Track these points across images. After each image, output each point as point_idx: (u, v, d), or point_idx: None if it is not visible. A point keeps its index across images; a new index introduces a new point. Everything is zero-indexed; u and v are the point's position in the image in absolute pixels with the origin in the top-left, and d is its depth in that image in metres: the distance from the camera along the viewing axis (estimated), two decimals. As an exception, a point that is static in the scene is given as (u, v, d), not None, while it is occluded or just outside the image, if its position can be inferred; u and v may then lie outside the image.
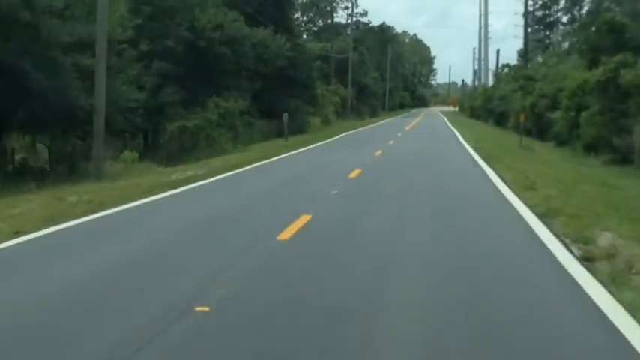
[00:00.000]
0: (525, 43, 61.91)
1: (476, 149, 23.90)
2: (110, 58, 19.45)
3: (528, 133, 39.25)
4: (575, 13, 79.89)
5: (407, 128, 47.41)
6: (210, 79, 32.69)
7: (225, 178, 15.92)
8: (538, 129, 35.99)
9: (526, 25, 64.42)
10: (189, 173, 17.14)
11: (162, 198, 12.28)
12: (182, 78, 30.10)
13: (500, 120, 54.32)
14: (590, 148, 25.82)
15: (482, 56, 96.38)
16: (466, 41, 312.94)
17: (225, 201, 12.30)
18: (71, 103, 18.76)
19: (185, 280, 6.25)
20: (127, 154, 23.66)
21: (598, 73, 24.45)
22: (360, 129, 47.36)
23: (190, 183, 14.51)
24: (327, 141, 32.79)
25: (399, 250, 7.75)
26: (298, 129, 50.91)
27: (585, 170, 18.32)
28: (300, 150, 25.43)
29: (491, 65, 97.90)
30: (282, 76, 46.81)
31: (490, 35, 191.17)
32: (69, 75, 19.03)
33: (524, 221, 9.57)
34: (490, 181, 14.73)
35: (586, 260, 7.02)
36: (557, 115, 30.52)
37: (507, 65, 57.77)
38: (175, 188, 13.58)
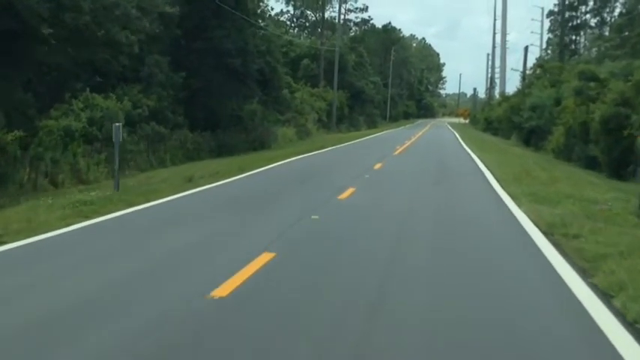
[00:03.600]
0: (561, 37, 47.74)
1: (552, 232, 8.79)
2: None
3: (589, 162, 24.99)
4: (606, 15, 68.96)
5: (399, 150, 31.24)
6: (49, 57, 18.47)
7: None
8: (612, 158, 21.67)
9: (563, 18, 50.36)
10: None
11: None
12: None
13: (529, 138, 39.73)
14: None
15: (500, 58, 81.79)
16: (477, 52, 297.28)
17: None
18: None
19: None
20: None
21: None
22: (330, 148, 32.32)
23: None
24: (211, 185, 15.77)
25: None
26: (258, 144, 36.58)
27: None
28: (96, 220, 9.93)
29: (511, 64, 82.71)
30: (227, 67, 32.85)
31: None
32: None
33: None
34: None
35: None
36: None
37: (541, 66, 43.42)
38: None
